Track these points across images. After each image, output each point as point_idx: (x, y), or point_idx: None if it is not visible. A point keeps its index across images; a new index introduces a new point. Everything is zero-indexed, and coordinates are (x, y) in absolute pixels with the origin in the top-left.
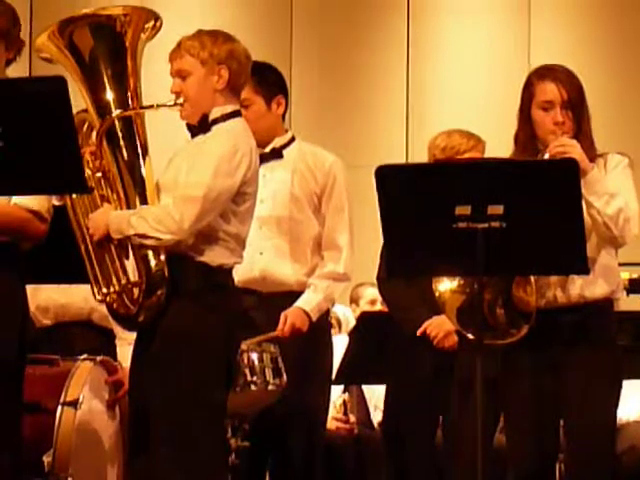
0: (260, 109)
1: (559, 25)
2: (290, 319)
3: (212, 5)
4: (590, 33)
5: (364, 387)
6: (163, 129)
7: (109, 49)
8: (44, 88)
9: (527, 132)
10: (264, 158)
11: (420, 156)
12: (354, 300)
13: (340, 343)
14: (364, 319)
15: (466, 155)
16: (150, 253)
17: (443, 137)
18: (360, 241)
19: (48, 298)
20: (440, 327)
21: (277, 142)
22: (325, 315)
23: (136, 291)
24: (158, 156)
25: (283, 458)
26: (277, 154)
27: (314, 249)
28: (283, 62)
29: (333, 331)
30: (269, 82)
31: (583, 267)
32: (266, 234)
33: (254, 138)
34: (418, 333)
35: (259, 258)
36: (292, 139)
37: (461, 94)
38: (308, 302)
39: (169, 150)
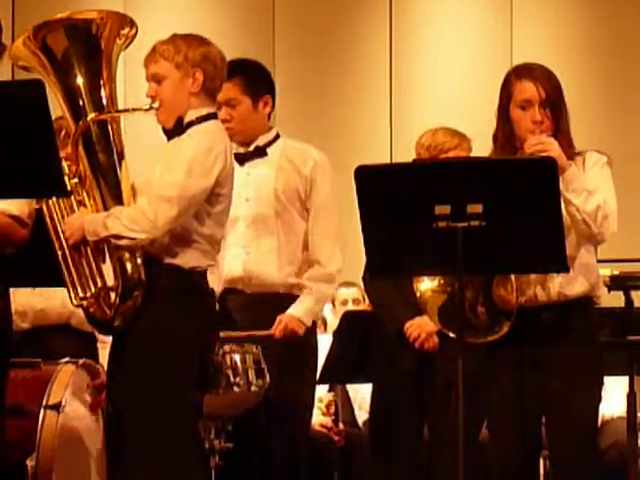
0: (247, 109)
1: (541, 21)
2: (284, 321)
3: (194, 8)
4: (572, 30)
5: (348, 387)
6: (141, 133)
7: (84, 52)
8: (23, 92)
9: (506, 131)
10: (248, 157)
11: (404, 155)
12: (332, 300)
13: (325, 342)
14: (347, 318)
15: (451, 153)
16: (126, 256)
17: (428, 135)
18: (345, 241)
19: (26, 302)
20: (421, 328)
21: (261, 140)
22: None
23: (112, 295)
24: (137, 160)
25: (266, 459)
26: (261, 152)
27: (302, 248)
28: (266, 59)
29: (318, 330)
30: (257, 82)
31: (562, 265)
32: (252, 233)
33: (239, 138)
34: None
35: (246, 258)
36: (277, 137)
37: (445, 91)
38: (299, 309)
39: (147, 154)
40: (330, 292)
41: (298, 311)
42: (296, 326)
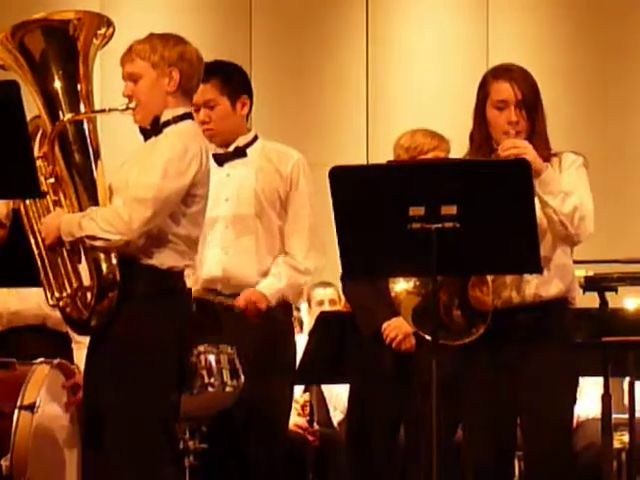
0: (225, 110)
1: (518, 21)
2: (248, 293)
3: (172, 7)
4: (548, 30)
5: (323, 387)
6: (117, 133)
7: (61, 52)
8: None
9: (482, 131)
10: (228, 157)
11: (380, 155)
12: (308, 300)
13: (301, 343)
14: (323, 319)
15: (430, 155)
16: (102, 257)
17: (407, 137)
18: (322, 240)
19: (1, 304)
20: (398, 329)
21: (240, 141)
22: (288, 313)
23: (89, 295)
24: (112, 160)
25: (244, 460)
26: (241, 153)
27: (281, 249)
28: (243, 58)
29: (295, 330)
30: (235, 82)
31: (536, 267)
32: (231, 234)
33: (219, 139)
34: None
35: (225, 259)
36: (255, 138)
37: (421, 92)
38: (268, 286)
39: (123, 154)
40: (302, 283)
41: (266, 288)
42: (259, 299)
